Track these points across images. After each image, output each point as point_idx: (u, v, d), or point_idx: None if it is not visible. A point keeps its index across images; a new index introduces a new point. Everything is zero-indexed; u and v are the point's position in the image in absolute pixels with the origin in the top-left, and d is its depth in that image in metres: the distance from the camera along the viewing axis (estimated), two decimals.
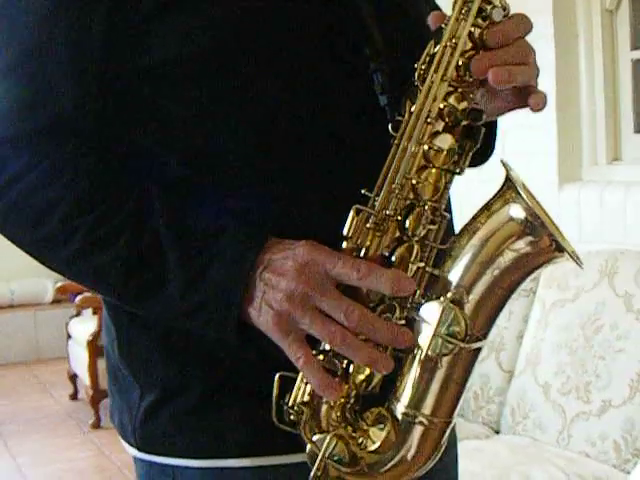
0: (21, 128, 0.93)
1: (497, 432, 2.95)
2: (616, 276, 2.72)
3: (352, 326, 0.86)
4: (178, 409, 0.99)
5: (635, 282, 2.65)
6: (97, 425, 5.13)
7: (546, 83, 3.52)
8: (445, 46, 0.90)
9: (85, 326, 5.29)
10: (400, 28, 1.02)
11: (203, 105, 0.94)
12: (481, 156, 1.04)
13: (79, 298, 5.24)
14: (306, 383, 0.90)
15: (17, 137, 0.93)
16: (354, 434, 0.90)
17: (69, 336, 5.69)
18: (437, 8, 1.07)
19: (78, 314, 5.72)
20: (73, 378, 5.76)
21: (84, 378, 5.26)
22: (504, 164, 0.91)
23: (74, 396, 5.83)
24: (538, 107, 0.95)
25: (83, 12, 0.91)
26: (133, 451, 1.04)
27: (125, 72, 0.93)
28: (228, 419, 0.97)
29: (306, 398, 0.90)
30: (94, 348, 5.01)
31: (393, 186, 0.89)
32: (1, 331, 6.94)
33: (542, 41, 3.20)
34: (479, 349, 0.91)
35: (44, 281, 7.13)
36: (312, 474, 0.89)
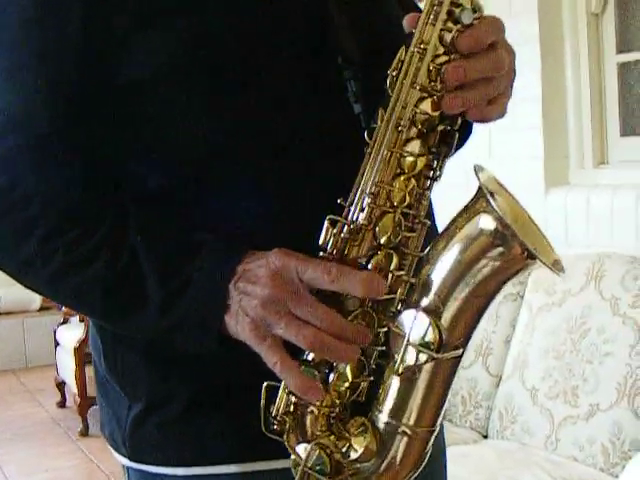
0: None
1: (485, 437, 2.95)
2: (603, 280, 2.72)
3: (325, 328, 0.85)
4: (164, 418, 0.99)
5: (622, 286, 2.65)
6: (85, 433, 5.10)
7: (532, 87, 3.54)
8: (413, 52, 0.89)
9: (72, 333, 5.27)
10: (375, 34, 1.01)
11: (181, 121, 0.94)
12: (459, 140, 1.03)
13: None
14: (288, 393, 0.90)
15: None
16: (337, 443, 0.89)
17: (57, 343, 5.66)
18: (416, 8, 1.05)
19: (65, 321, 5.70)
20: (61, 385, 5.73)
21: (72, 385, 5.23)
22: (475, 170, 0.89)
23: (62, 404, 5.80)
24: (473, 118, 0.92)
25: (55, 35, 0.91)
26: (125, 461, 1.05)
27: (102, 91, 0.93)
28: (214, 426, 0.97)
29: (289, 408, 0.90)
30: (81, 355, 4.99)
31: (365, 194, 0.89)
32: None
33: (528, 44, 3.20)
34: (458, 358, 0.89)
35: None
36: None
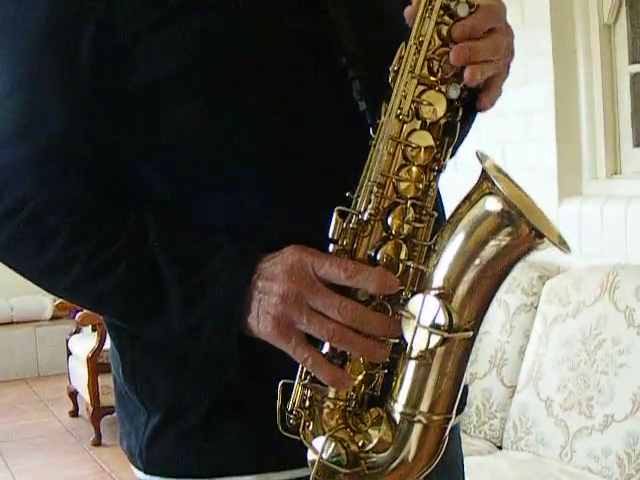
0: (16, 155, 0.94)
1: (499, 448, 2.95)
2: (617, 291, 2.72)
3: (346, 321, 0.87)
4: (183, 429, 1.00)
5: (636, 297, 2.65)
6: (98, 442, 5.10)
7: (545, 98, 3.52)
8: (412, 45, 0.91)
9: (85, 343, 5.28)
10: (377, 30, 1.02)
11: (192, 123, 0.95)
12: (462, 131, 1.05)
13: (79, 315, 5.23)
14: (303, 386, 0.91)
15: (12, 165, 0.94)
16: (353, 436, 0.90)
17: (69, 353, 5.67)
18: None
19: (78, 331, 5.71)
20: (73, 395, 5.74)
21: (84, 395, 5.24)
22: (479, 155, 0.91)
23: (74, 413, 5.81)
24: (483, 109, 0.96)
25: (69, 39, 0.93)
26: (140, 474, 1.05)
27: (115, 94, 0.94)
28: (233, 437, 0.98)
29: (305, 402, 0.91)
30: (94, 365, 4.99)
31: (371, 185, 0.90)
32: (1, 348, 6.92)
33: (541, 56, 3.21)
34: (470, 341, 0.90)
35: (43, 297, 7.11)
36: (311, 477, 0.90)
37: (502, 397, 2.98)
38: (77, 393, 5.64)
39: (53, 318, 7.15)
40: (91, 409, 5.07)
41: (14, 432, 5.52)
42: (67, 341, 5.74)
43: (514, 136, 3.33)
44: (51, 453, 5.06)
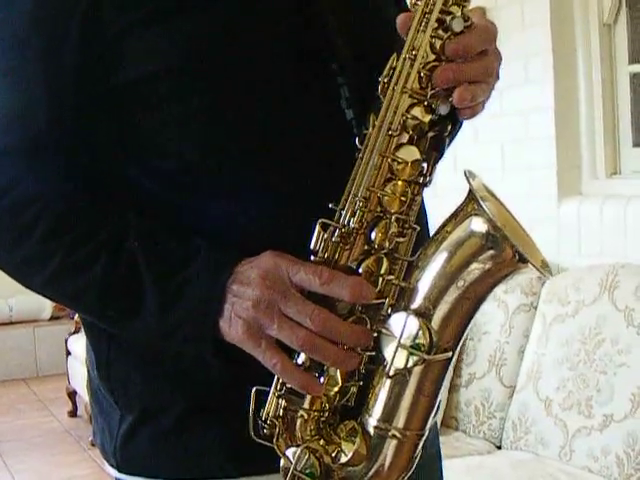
0: (1, 145, 0.94)
1: (499, 447, 2.95)
2: (617, 290, 2.72)
3: (317, 329, 0.86)
4: (157, 430, 1.00)
5: (636, 296, 2.65)
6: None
7: (545, 97, 3.53)
8: (405, 58, 0.90)
9: (84, 342, 5.23)
10: (371, 38, 1.01)
11: (175, 123, 0.94)
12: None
13: (78, 315, 5.22)
14: (278, 397, 0.91)
15: None
16: (327, 447, 0.90)
17: (68, 353, 5.67)
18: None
19: (77, 331, 5.70)
20: (72, 395, 5.74)
21: (83, 395, 5.24)
22: (466, 175, 0.91)
23: (73, 413, 5.80)
24: (463, 118, 0.94)
25: (56, 33, 0.92)
26: (114, 472, 1.05)
27: (101, 91, 0.93)
28: (207, 440, 0.98)
29: (279, 412, 0.91)
30: None
31: (357, 199, 0.89)
32: None
33: (540, 55, 3.21)
34: (448, 361, 0.90)
35: (42, 298, 7.09)
36: None
37: (501, 397, 2.98)
38: (76, 393, 5.64)
39: (52, 318, 7.14)
40: (90, 409, 5.06)
41: (13, 432, 5.52)
42: (66, 341, 5.73)
43: (513, 135, 3.32)
44: (50, 453, 5.06)
